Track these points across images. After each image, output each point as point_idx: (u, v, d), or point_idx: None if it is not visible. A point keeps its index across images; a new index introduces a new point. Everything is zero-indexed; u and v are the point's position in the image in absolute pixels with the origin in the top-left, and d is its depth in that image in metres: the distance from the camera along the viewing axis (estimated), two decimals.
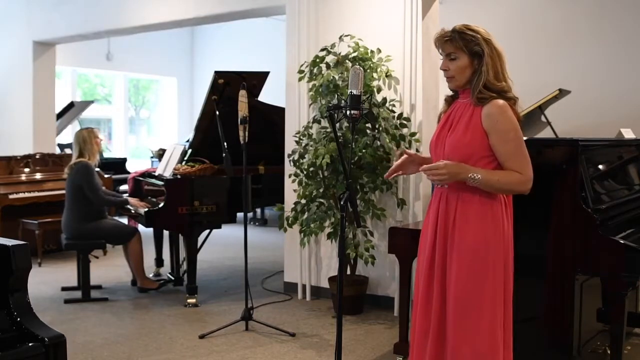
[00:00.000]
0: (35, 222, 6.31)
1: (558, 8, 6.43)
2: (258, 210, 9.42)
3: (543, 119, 5.12)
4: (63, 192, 6.45)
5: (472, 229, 2.42)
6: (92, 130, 5.40)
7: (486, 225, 2.42)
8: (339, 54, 4.76)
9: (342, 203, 2.55)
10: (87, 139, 5.29)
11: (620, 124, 4.71)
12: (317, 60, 4.79)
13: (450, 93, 2.61)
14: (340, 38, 4.84)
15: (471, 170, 2.38)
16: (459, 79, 2.46)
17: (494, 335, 2.41)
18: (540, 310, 3.23)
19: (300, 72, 4.97)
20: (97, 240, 5.32)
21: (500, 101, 2.40)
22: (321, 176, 4.70)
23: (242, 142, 4.36)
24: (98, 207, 5.24)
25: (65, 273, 6.04)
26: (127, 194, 5.91)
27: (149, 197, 5.55)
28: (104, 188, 5.39)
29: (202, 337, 4.21)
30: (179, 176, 5.11)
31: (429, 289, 2.52)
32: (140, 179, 5.81)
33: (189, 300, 4.98)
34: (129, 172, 8.57)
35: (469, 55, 2.42)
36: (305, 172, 4.75)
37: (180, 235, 5.49)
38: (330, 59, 4.79)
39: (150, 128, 12.78)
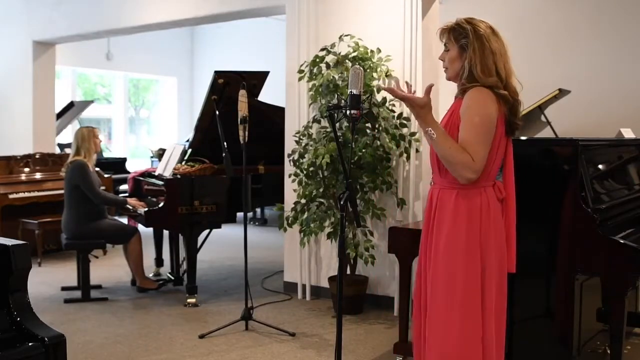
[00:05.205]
0: (35, 222, 6.31)
1: (558, 8, 6.43)
2: (258, 210, 9.43)
3: (543, 118, 5.12)
4: (63, 191, 6.46)
5: (446, 228, 2.39)
6: (92, 129, 5.39)
7: (458, 225, 2.36)
8: (339, 53, 4.76)
9: (342, 203, 2.55)
10: (85, 137, 5.28)
11: (620, 124, 4.71)
12: (317, 60, 4.79)
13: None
14: (340, 38, 4.84)
15: (433, 125, 2.35)
16: (451, 70, 2.48)
17: (466, 340, 2.34)
18: (540, 310, 3.23)
19: (300, 72, 4.97)
20: (97, 240, 5.32)
21: (484, 88, 2.35)
22: (321, 176, 4.70)
23: (242, 142, 4.36)
24: (98, 204, 5.23)
25: (65, 273, 6.04)
26: (127, 194, 5.91)
27: (149, 197, 5.55)
28: (102, 188, 5.36)
29: (202, 337, 4.21)
30: (178, 176, 5.11)
31: (420, 290, 2.53)
32: (140, 178, 5.81)
33: (189, 300, 4.98)
34: (128, 172, 8.57)
35: (458, 47, 2.43)
36: (305, 172, 4.75)
37: (180, 235, 5.49)
38: (330, 58, 4.79)
39: (150, 128, 12.77)
